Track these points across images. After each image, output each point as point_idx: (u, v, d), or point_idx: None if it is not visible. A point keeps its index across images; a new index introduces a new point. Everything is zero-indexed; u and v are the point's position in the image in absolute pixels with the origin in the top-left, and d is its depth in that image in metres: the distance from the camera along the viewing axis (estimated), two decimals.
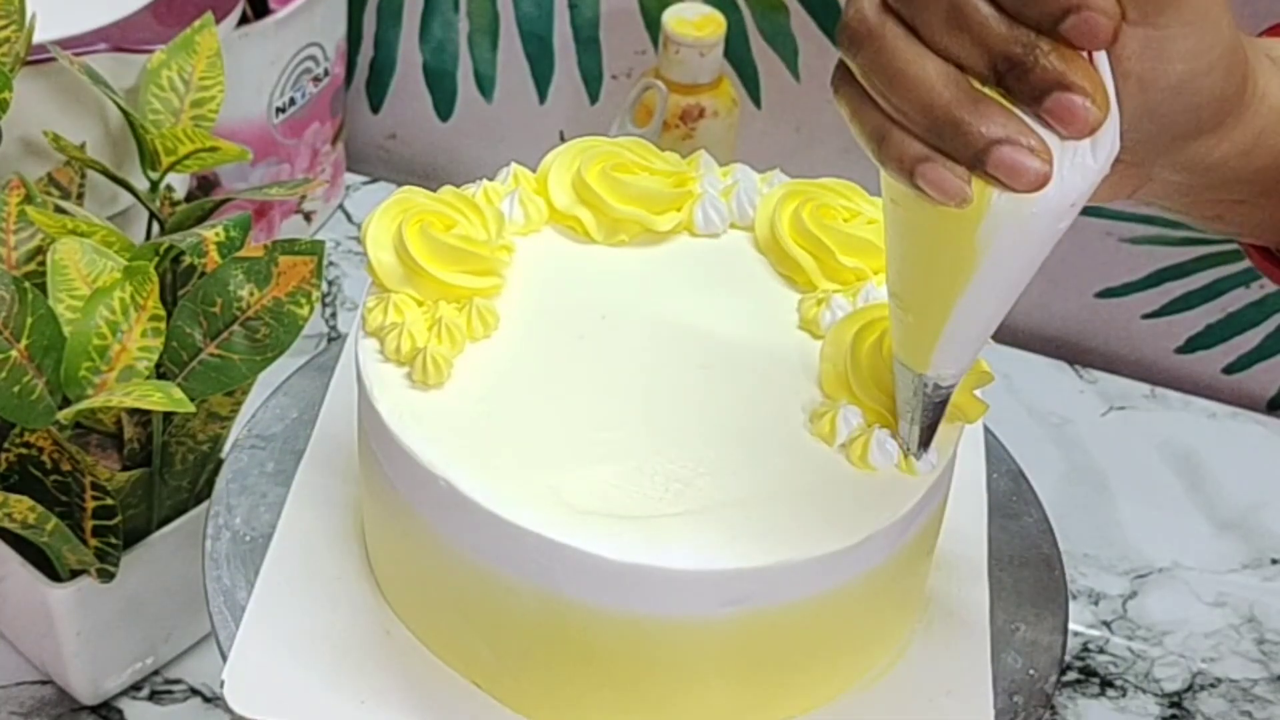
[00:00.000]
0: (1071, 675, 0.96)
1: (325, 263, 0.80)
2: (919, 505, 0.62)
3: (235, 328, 0.77)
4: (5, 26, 0.86)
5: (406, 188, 0.69)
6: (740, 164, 0.73)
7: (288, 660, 0.66)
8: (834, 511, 0.61)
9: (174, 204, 0.91)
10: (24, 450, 0.79)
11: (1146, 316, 1.16)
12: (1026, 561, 0.72)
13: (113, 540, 0.81)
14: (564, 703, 0.64)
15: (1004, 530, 0.72)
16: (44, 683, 0.90)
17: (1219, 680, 0.96)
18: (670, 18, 1.05)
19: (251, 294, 0.77)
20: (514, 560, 0.60)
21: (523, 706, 0.64)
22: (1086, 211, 1.26)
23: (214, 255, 0.80)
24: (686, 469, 0.62)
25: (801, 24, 1.12)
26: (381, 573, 0.68)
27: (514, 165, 0.72)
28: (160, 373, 0.77)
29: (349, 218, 1.22)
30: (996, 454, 0.75)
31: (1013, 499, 0.74)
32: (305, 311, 0.77)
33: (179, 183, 0.99)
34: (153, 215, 0.90)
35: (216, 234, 0.80)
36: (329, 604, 0.68)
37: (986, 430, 0.76)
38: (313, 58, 1.09)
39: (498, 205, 0.70)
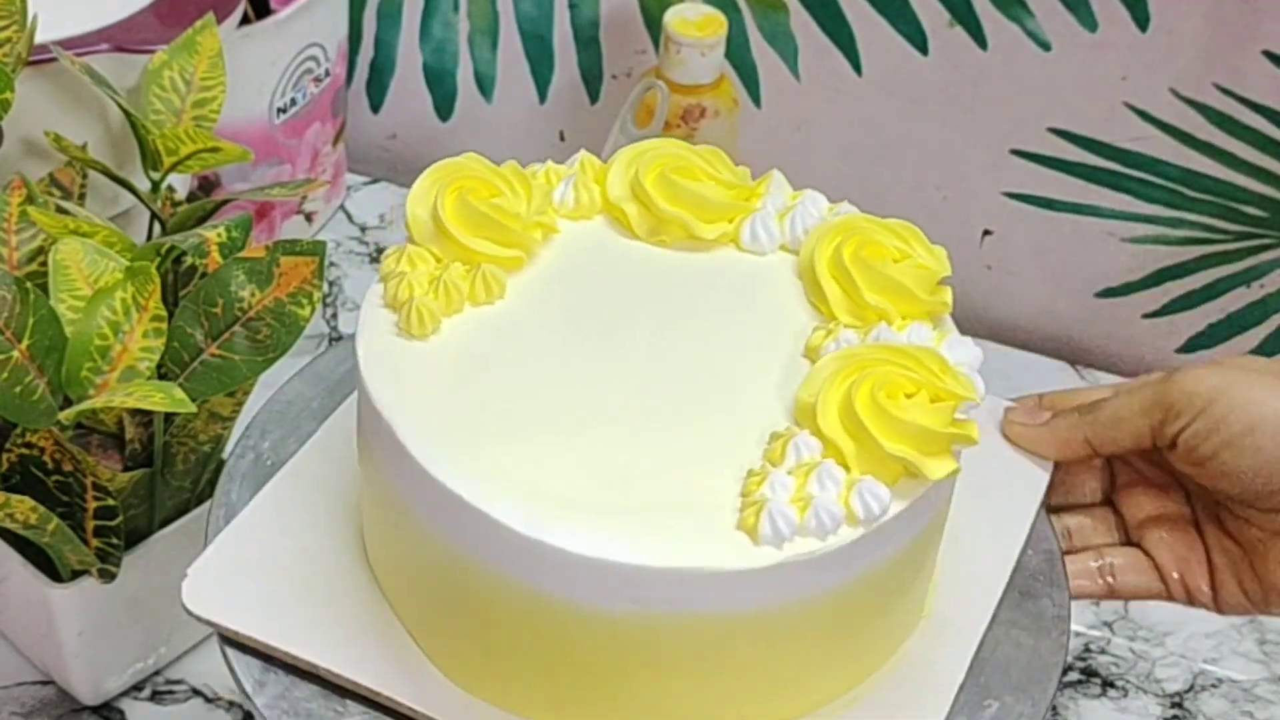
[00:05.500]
0: (1073, 676, 0.96)
1: (326, 263, 0.80)
2: (869, 543, 0.60)
3: (236, 328, 0.77)
4: (7, 27, 0.86)
5: (470, 154, 0.69)
6: (812, 190, 0.71)
7: (255, 575, 0.67)
8: None
9: (175, 204, 0.91)
10: (25, 450, 0.79)
11: (1147, 316, 1.16)
12: (1022, 646, 0.70)
13: (114, 540, 0.81)
14: (520, 689, 0.64)
15: (1018, 608, 0.70)
16: (45, 683, 0.90)
17: (1220, 680, 0.96)
18: (671, 18, 1.05)
19: (253, 295, 0.77)
20: (452, 528, 0.61)
21: (465, 682, 0.65)
22: (1086, 211, 1.26)
23: (215, 256, 0.80)
24: (633, 469, 0.61)
25: (801, 24, 1.12)
26: (364, 515, 0.69)
27: (583, 152, 0.72)
28: (162, 373, 0.77)
29: (350, 218, 1.22)
30: (1043, 532, 0.73)
31: (1039, 578, 0.72)
32: (306, 312, 0.77)
33: (180, 183, 0.99)
34: (154, 216, 0.90)
35: (218, 234, 0.80)
36: (314, 533, 0.69)
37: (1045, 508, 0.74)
38: (314, 58, 1.09)
39: (553, 186, 0.70)
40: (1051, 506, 0.75)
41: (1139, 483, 0.76)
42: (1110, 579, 0.74)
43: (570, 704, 0.63)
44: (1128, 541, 0.76)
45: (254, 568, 0.68)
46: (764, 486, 0.60)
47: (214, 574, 0.68)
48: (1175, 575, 0.74)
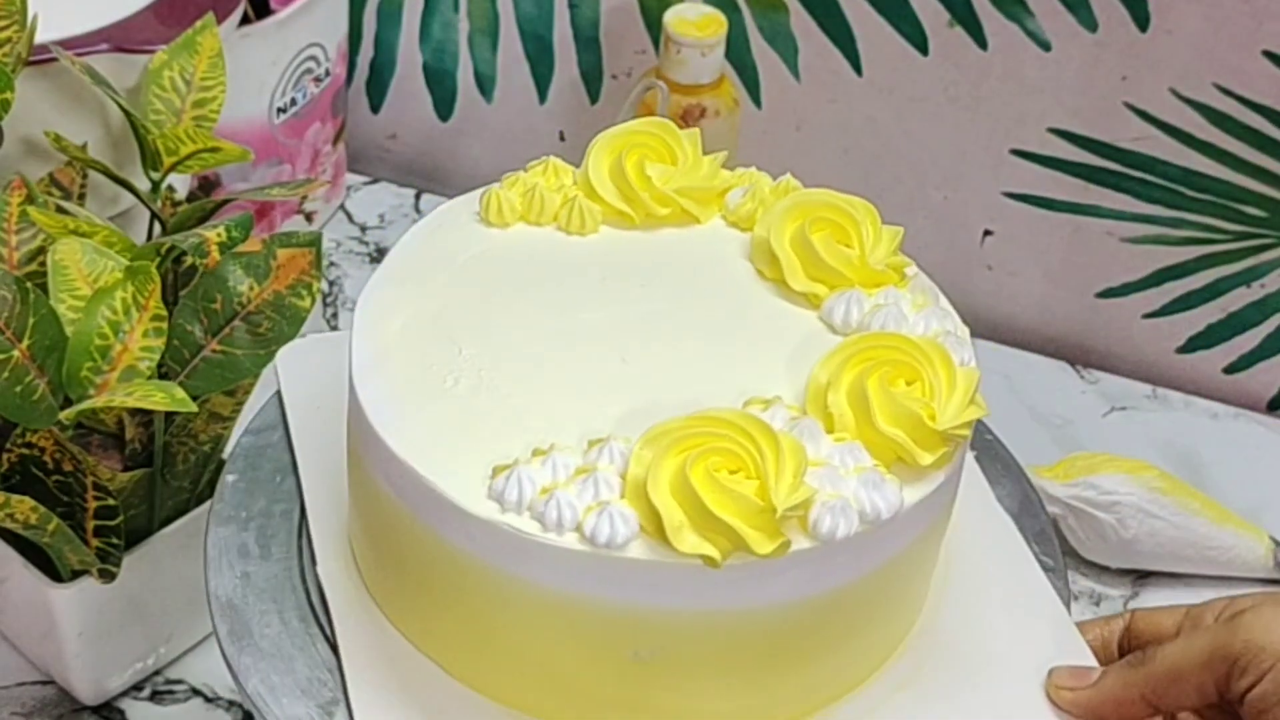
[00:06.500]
0: None
1: (326, 263, 0.80)
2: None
3: (236, 323, 0.77)
4: (7, 27, 0.86)
5: (693, 130, 0.71)
6: (944, 304, 0.67)
7: (333, 383, 0.70)
8: None
9: (175, 204, 0.91)
10: (26, 450, 0.79)
11: (1147, 316, 1.16)
12: None
13: (114, 540, 0.81)
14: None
15: None
16: (45, 683, 0.90)
17: None
18: (672, 18, 1.05)
19: (251, 288, 0.77)
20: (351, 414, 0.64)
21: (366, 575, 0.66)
22: (1086, 211, 1.26)
23: (216, 255, 0.80)
24: (521, 415, 0.62)
25: (801, 24, 1.12)
26: None
27: (789, 175, 0.71)
28: (162, 372, 0.77)
29: (350, 218, 1.22)
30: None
31: None
32: (306, 303, 0.77)
33: (180, 183, 0.99)
34: (154, 216, 0.90)
35: (218, 234, 0.80)
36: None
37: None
38: (314, 58, 1.09)
39: (734, 187, 0.71)
40: None
41: None
42: None
43: (411, 603, 0.64)
44: None
45: (337, 377, 0.70)
46: (541, 459, 0.59)
47: (317, 355, 0.75)
48: None
